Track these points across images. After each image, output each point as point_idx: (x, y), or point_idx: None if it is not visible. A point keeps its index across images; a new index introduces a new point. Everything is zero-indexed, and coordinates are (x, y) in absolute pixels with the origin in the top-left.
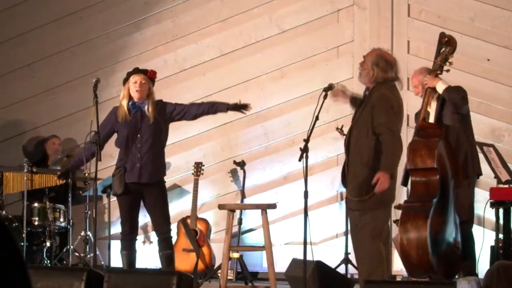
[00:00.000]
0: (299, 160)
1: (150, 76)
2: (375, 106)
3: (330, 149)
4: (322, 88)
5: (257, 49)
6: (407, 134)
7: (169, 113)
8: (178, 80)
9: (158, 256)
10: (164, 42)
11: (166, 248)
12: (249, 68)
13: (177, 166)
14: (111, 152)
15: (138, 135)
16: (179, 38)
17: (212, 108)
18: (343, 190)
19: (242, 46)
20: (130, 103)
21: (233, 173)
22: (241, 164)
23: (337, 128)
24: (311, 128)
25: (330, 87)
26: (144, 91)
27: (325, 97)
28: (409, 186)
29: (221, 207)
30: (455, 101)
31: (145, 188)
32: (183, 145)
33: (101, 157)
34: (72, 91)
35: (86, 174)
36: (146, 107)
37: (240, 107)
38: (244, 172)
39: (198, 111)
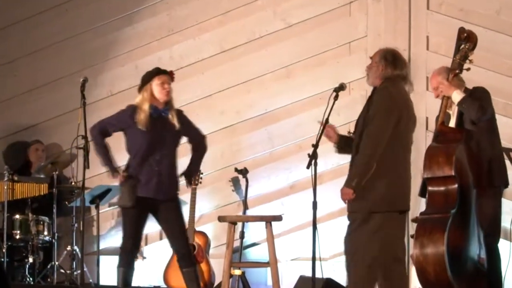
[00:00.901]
0: (307, 167)
1: (172, 77)
2: (373, 103)
3: (342, 156)
4: (332, 88)
5: (260, 45)
6: (426, 139)
7: (184, 131)
8: (175, 78)
9: (161, 273)
10: (158, 37)
11: (188, 265)
12: (252, 66)
13: None
14: (98, 160)
15: (159, 146)
16: (175, 33)
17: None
18: None
19: (244, 42)
20: (151, 107)
21: (235, 181)
22: (244, 172)
23: (349, 132)
24: (320, 132)
25: (341, 87)
26: (170, 95)
27: (336, 98)
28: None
29: (221, 219)
30: (470, 117)
31: (159, 203)
32: (179, 151)
33: (89, 164)
34: (57, 91)
35: (73, 183)
36: (169, 114)
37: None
38: (247, 180)
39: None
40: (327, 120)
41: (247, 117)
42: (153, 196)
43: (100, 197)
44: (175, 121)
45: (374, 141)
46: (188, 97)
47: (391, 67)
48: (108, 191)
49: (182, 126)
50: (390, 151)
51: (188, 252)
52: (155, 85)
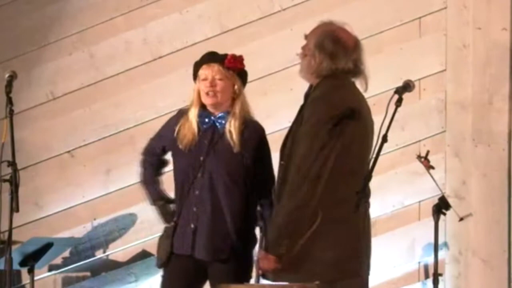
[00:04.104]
0: (354, 211)
1: (230, 65)
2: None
3: (408, 192)
4: (393, 89)
5: (283, 23)
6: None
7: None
8: (150, 74)
9: None
10: (125, 11)
11: None
12: (269, 54)
13: (148, 220)
14: (35, 199)
15: (199, 174)
16: (151, 4)
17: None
18: (429, 260)
19: (257, 17)
20: (200, 114)
21: None
22: (258, 213)
23: (418, 156)
24: (374, 156)
25: (406, 87)
26: (223, 94)
27: (399, 103)
28: None
29: None
30: None
31: (206, 264)
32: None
33: (18, 206)
34: None
35: None
36: (227, 122)
37: None
38: (261, 230)
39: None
40: (384, 137)
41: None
42: (187, 252)
43: (35, 256)
44: (235, 138)
45: (308, 180)
46: (171, 101)
47: (329, 59)
48: (47, 246)
49: (248, 151)
50: (333, 188)
51: None
52: (199, 82)
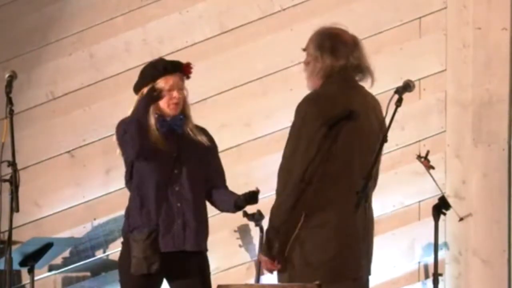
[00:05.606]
0: (355, 209)
1: (189, 73)
2: None
3: (408, 192)
4: (393, 89)
5: (283, 23)
6: None
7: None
8: None
9: None
10: (125, 11)
11: None
12: (269, 54)
13: None
14: (35, 199)
15: (175, 171)
16: (151, 4)
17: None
18: (429, 260)
19: (257, 17)
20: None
21: (243, 232)
22: (256, 218)
23: (418, 156)
24: (374, 156)
25: (406, 87)
26: (182, 104)
27: (399, 103)
28: None
29: None
30: None
31: (183, 257)
32: None
33: (18, 206)
34: None
35: None
36: (183, 124)
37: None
38: (262, 230)
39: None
40: (384, 137)
41: (261, 133)
42: (179, 247)
43: (35, 256)
44: (197, 137)
45: (290, 182)
46: None
47: (332, 57)
48: (47, 246)
49: (208, 146)
50: (321, 191)
51: None
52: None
